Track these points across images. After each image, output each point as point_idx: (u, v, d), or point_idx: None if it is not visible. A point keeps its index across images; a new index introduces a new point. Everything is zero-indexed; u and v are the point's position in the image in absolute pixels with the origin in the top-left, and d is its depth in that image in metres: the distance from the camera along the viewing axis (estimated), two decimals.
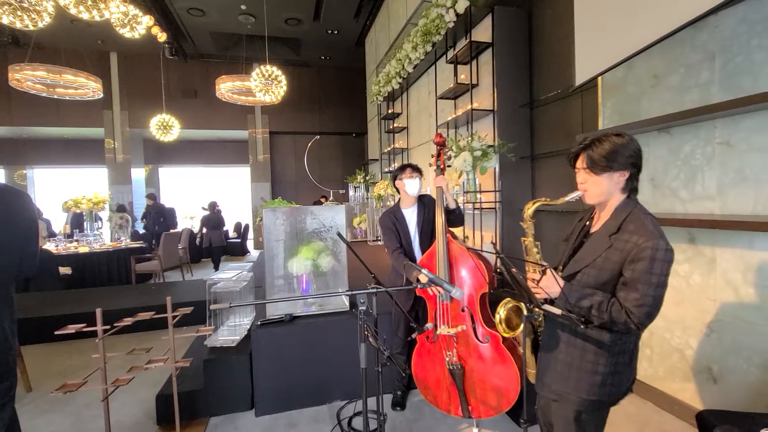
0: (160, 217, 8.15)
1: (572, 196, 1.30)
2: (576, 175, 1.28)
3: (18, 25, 3.86)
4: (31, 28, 3.90)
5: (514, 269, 1.18)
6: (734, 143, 1.92)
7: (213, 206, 7.99)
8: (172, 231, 7.36)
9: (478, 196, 3.63)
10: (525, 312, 1.37)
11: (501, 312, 1.74)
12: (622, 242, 1.15)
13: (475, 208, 3.74)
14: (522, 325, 1.52)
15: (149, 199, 8.32)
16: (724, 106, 1.82)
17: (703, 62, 2.04)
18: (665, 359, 2.32)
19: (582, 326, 1.05)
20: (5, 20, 3.81)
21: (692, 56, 2.09)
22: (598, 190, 1.22)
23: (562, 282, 1.21)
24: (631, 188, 1.22)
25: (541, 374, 1.41)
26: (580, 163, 1.24)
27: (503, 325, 1.75)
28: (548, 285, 1.20)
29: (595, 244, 1.23)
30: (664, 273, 1.10)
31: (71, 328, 1.97)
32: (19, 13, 3.63)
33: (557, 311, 1.09)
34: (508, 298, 1.70)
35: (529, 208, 1.38)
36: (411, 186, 2.33)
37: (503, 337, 1.98)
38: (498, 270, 2.74)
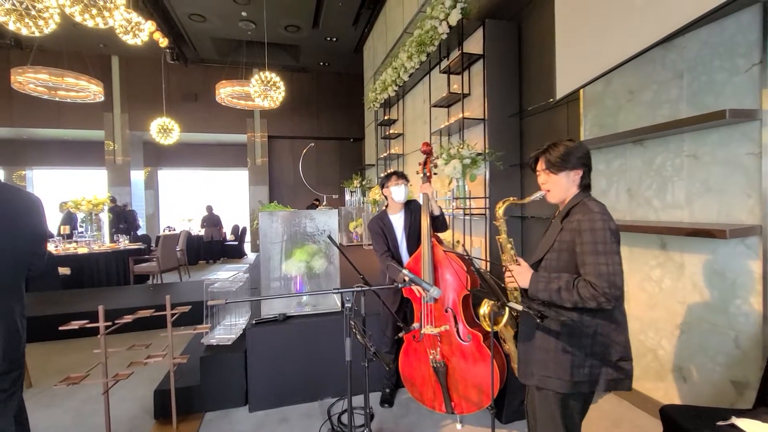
0: (117, 220, 8.18)
1: (536, 196, 1.46)
2: (538, 178, 1.45)
3: (24, 31, 3.98)
4: (37, 34, 4.02)
5: (482, 270, 1.30)
6: (700, 156, 2.06)
7: (210, 208, 9.67)
8: (170, 233, 7.45)
9: (468, 202, 3.76)
10: (497, 308, 1.49)
11: (485, 308, 1.85)
12: (570, 223, 1.32)
13: (465, 214, 3.86)
14: (504, 319, 1.63)
15: (110, 201, 8.26)
16: (690, 122, 1.95)
17: (673, 80, 2.18)
18: (640, 359, 2.43)
19: (539, 320, 1.16)
20: (11, 27, 3.94)
21: (663, 74, 2.23)
22: (558, 188, 1.39)
23: (528, 274, 1.34)
24: (585, 185, 1.39)
25: (524, 364, 1.49)
26: (540, 165, 1.43)
27: (487, 320, 1.86)
28: (513, 280, 1.33)
29: (551, 231, 1.40)
30: (608, 241, 1.23)
31: (74, 324, 2.08)
32: (26, 20, 3.76)
33: (519, 307, 1.21)
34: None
35: (500, 208, 1.51)
36: (397, 193, 2.45)
37: (484, 337, 2.10)
38: (476, 270, 2.86)
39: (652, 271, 2.35)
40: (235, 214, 11.89)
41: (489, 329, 1.87)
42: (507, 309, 1.51)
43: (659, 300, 2.32)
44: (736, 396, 1.94)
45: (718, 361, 2.02)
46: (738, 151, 1.88)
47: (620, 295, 1.26)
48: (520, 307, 1.21)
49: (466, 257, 1.38)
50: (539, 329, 1.39)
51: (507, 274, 1.37)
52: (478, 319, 1.92)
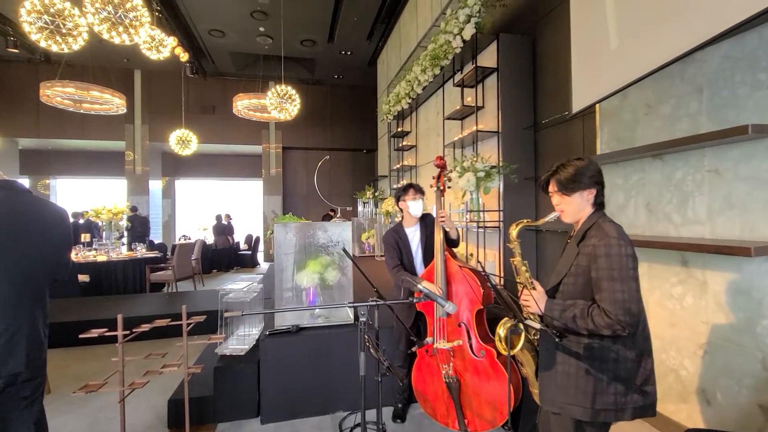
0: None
1: (551, 217, 1.43)
2: (551, 199, 1.42)
3: (54, 48, 4.16)
4: (66, 51, 4.20)
5: (499, 286, 1.29)
6: (722, 171, 2.01)
7: (219, 218, 10.11)
8: (185, 242, 7.58)
9: (482, 215, 3.74)
10: (515, 327, 1.46)
11: (500, 331, 1.82)
12: (586, 247, 1.28)
13: (478, 227, 3.84)
14: (521, 342, 1.59)
15: (130, 210, 8.55)
16: (710, 136, 1.92)
17: (692, 94, 2.15)
18: (661, 380, 2.35)
19: (557, 339, 1.14)
20: (43, 44, 4.13)
21: (682, 88, 2.20)
22: (572, 208, 1.36)
23: (543, 299, 1.31)
24: (599, 203, 1.36)
25: (544, 388, 1.44)
26: (552, 187, 1.39)
27: (503, 343, 1.82)
28: (530, 301, 1.30)
29: (568, 254, 1.36)
30: (625, 267, 1.19)
31: (94, 332, 2.12)
32: (57, 38, 3.94)
33: (537, 325, 1.19)
34: (506, 318, 1.78)
35: (514, 230, 1.47)
36: (414, 207, 2.44)
37: (498, 353, 2.07)
38: (493, 286, 2.82)
39: (672, 288, 2.29)
40: (249, 224, 12.05)
41: (505, 352, 1.83)
42: (523, 329, 1.48)
43: (681, 318, 2.26)
44: (764, 421, 1.86)
45: (744, 384, 1.94)
46: (762, 167, 1.84)
47: (636, 322, 1.21)
48: (537, 326, 1.19)
49: (482, 273, 1.36)
50: (560, 351, 1.35)
51: (524, 295, 1.33)
52: (494, 338, 1.88)
